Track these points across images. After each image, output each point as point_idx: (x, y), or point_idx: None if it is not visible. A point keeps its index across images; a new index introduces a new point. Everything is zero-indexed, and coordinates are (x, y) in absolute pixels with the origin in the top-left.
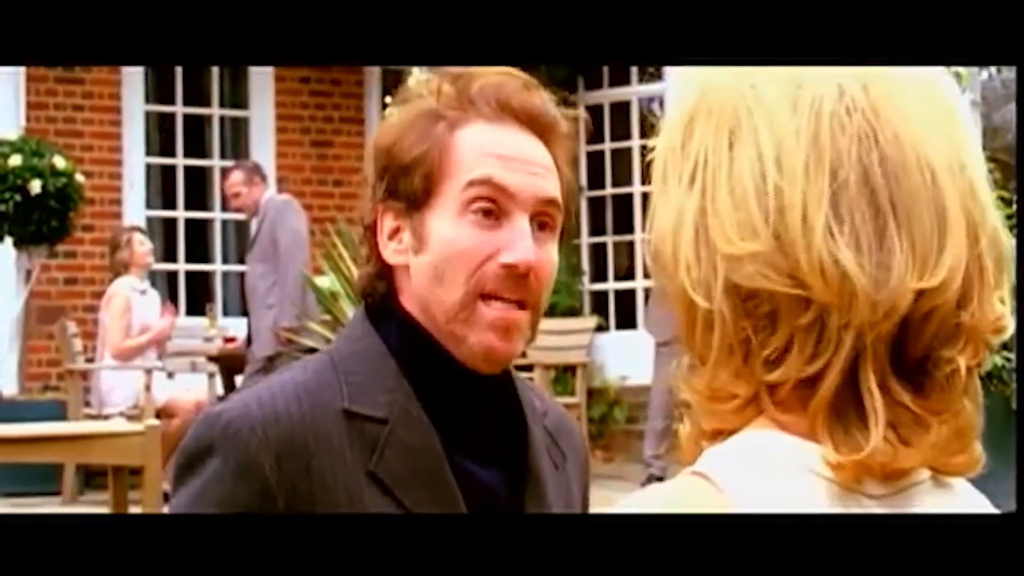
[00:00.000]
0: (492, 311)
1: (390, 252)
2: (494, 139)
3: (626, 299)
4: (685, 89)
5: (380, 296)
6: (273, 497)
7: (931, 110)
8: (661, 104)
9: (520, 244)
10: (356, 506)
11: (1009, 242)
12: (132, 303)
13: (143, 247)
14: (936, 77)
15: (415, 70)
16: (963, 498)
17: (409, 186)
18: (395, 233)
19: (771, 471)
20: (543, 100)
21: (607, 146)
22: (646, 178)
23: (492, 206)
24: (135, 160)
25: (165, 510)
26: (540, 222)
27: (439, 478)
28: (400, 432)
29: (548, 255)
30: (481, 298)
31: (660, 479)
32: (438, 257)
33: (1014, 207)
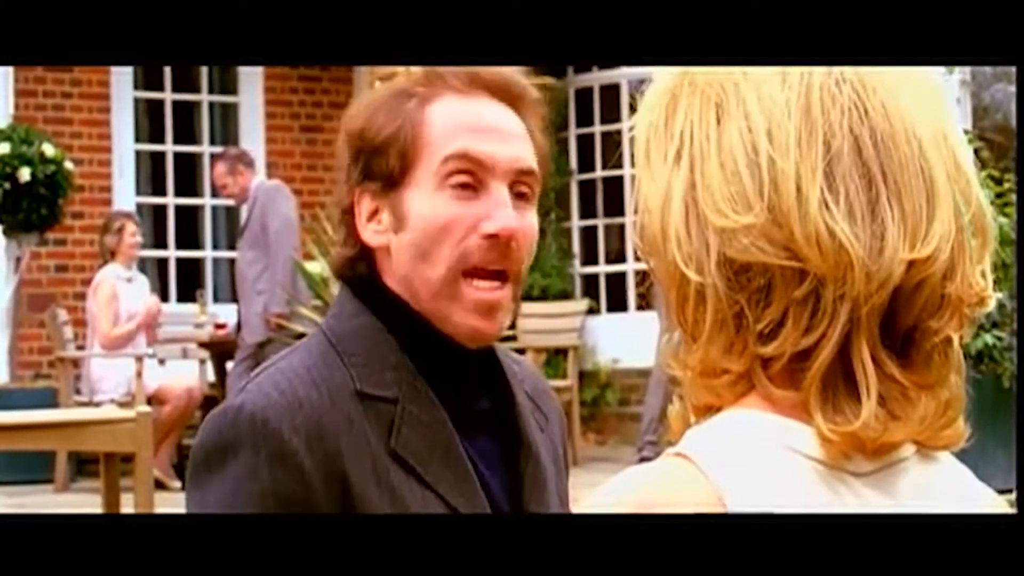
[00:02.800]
0: (474, 292)
1: (369, 233)
2: (466, 111)
3: (617, 282)
4: (664, 67)
5: (361, 276)
6: (311, 483)
7: (914, 83)
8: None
9: (500, 213)
10: (384, 485)
11: (994, 218)
12: (118, 291)
13: (133, 237)
14: None
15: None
16: (948, 474)
17: (385, 166)
18: (373, 214)
19: (754, 452)
20: (511, 70)
21: (597, 129)
22: (632, 159)
23: (470, 179)
24: (124, 147)
25: (156, 497)
26: (518, 191)
27: (452, 450)
28: (412, 408)
29: (528, 223)
30: (464, 275)
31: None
32: (419, 234)
33: (1004, 186)
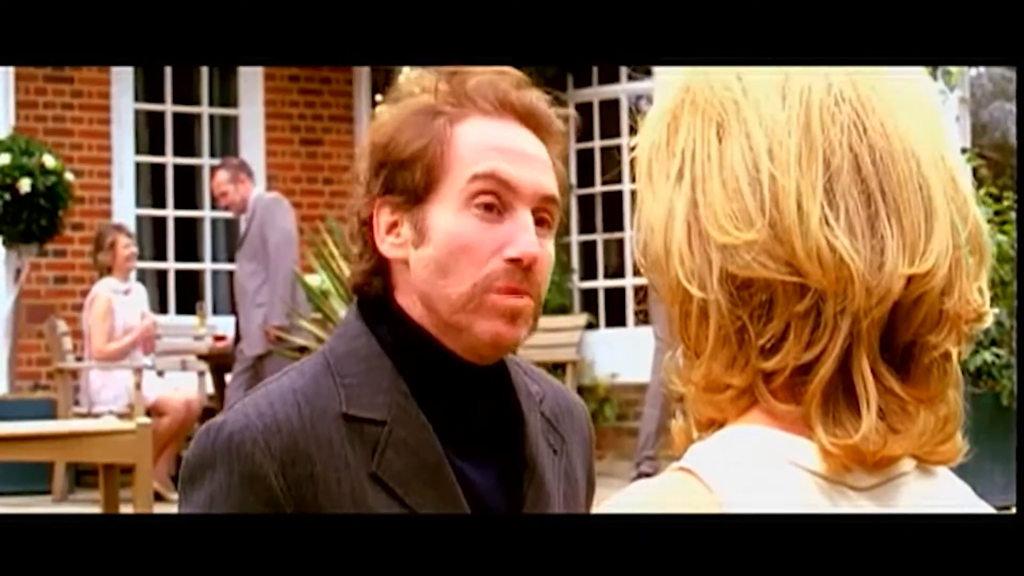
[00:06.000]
0: (499, 300)
1: (387, 246)
2: (495, 134)
3: (616, 297)
4: (665, 86)
5: (375, 294)
6: (280, 505)
7: (912, 103)
8: (649, 101)
9: (523, 238)
10: (361, 509)
11: (992, 236)
12: (114, 305)
13: (127, 250)
14: (915, 71)
15: (405, 69)
16: (948, 489)
17: (409, 180)
18: (392, 227)
19: (757, 466)
20: (538, 97)
21: (596, 144)
22: (633, 176)
23: (495, 200)
24: (124, 158)
25: (156, 509)
26: (539, 218)
27: (440, 475)
28: (399, 431)
29: (546, 251)
30: (487, 292)
31: (649, 477)
32: (442, 251)
33: (1003, 203)
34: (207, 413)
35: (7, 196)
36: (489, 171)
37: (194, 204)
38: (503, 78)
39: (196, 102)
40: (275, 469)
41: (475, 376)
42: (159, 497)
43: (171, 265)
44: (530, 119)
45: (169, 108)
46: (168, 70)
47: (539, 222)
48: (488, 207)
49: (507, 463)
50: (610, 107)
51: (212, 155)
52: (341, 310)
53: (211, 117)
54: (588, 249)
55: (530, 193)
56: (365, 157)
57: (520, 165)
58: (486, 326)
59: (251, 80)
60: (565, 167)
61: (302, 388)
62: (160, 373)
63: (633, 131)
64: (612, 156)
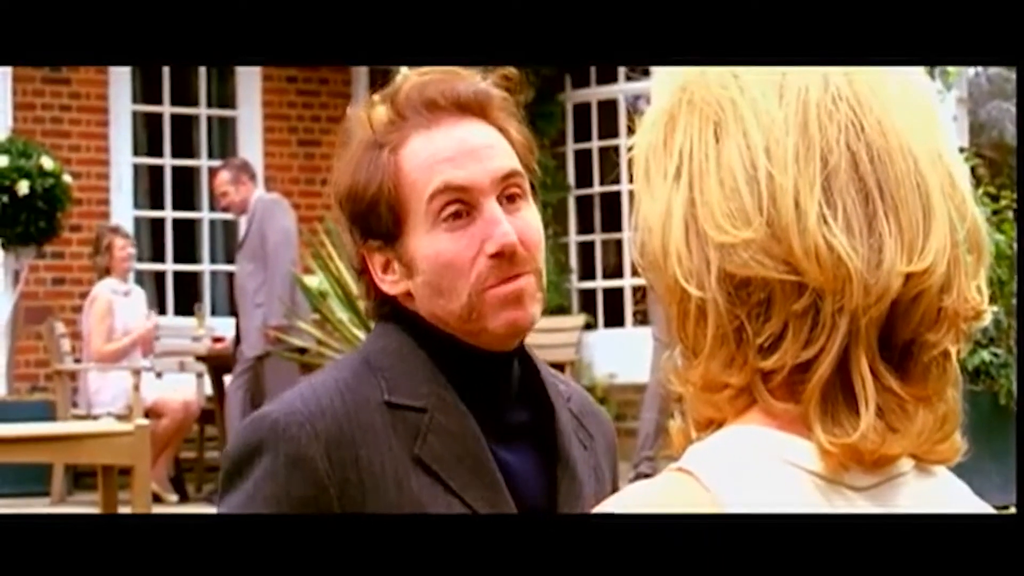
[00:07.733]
0: (499, 292)
1: (388, 285)
2: (435, 146)
3: (614, 297)
4: (662, 87)
5: (390, 310)
6: (325, 487)
7: (909, 102)
8: (647, 102)
9: (497, 231)
10: (404, 491)
11: (990, 235)
12: (114, 306)
13: (123, 251)
14: (912, 70)
15: (403, 69)
16: (947, 489)
17: (379, 223)
18: (387, 266)
19: (755, 466)
20: (466, 81)
21: (595, 144)
22: (630, 177)
23: (460, 206)
24: (122, 160)
25: (154, 511)
26: (509, 195)
27: (480, 459)
28: (440, 418)
29: (527, 221)
30: (484, 291)
31: (647, 477)
32: (430, 274)
33: (1000, 203)
34: (205, 415)
35: (5, 198)
36: (441, 185)
37: (192, 205)
38: (429, 78)
39: (194, 103)
40: (320, 452)
41: (504, 365)
42: (157, 499)
43: (169, 267)
44: (464, 108)
45: (167, 109)
46: (166, 71)
47: (511, 198)
48: (456, 215)
49: (542, 453)
50: (608, 107)
51: (210, 156)
52: (340, 311)
53: (209, 118)
54: (586, 249)
55: (487, 184)
56: (337, 208)
57: (467, 164)
58: (498, 320)
59: (249, 81)
60: (520, 123)
61: (343, 379)
62: (158, 374)
63: (631, 131)
64: (610, 157)
